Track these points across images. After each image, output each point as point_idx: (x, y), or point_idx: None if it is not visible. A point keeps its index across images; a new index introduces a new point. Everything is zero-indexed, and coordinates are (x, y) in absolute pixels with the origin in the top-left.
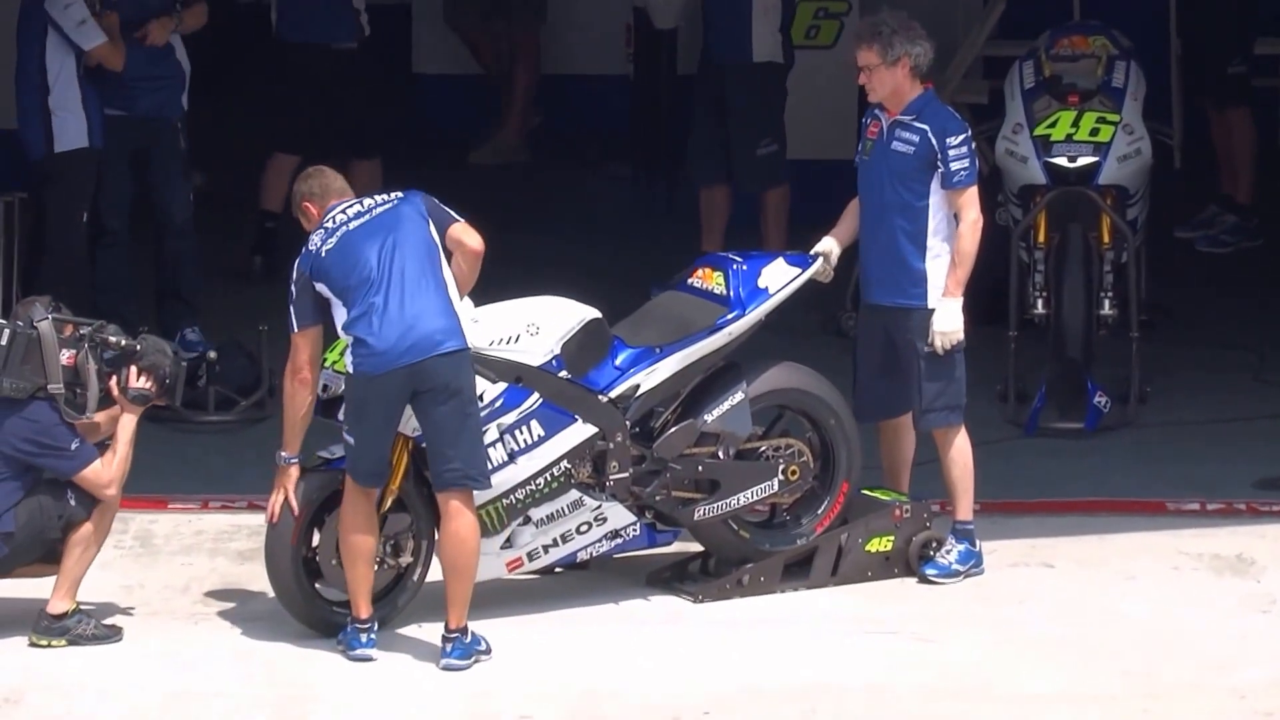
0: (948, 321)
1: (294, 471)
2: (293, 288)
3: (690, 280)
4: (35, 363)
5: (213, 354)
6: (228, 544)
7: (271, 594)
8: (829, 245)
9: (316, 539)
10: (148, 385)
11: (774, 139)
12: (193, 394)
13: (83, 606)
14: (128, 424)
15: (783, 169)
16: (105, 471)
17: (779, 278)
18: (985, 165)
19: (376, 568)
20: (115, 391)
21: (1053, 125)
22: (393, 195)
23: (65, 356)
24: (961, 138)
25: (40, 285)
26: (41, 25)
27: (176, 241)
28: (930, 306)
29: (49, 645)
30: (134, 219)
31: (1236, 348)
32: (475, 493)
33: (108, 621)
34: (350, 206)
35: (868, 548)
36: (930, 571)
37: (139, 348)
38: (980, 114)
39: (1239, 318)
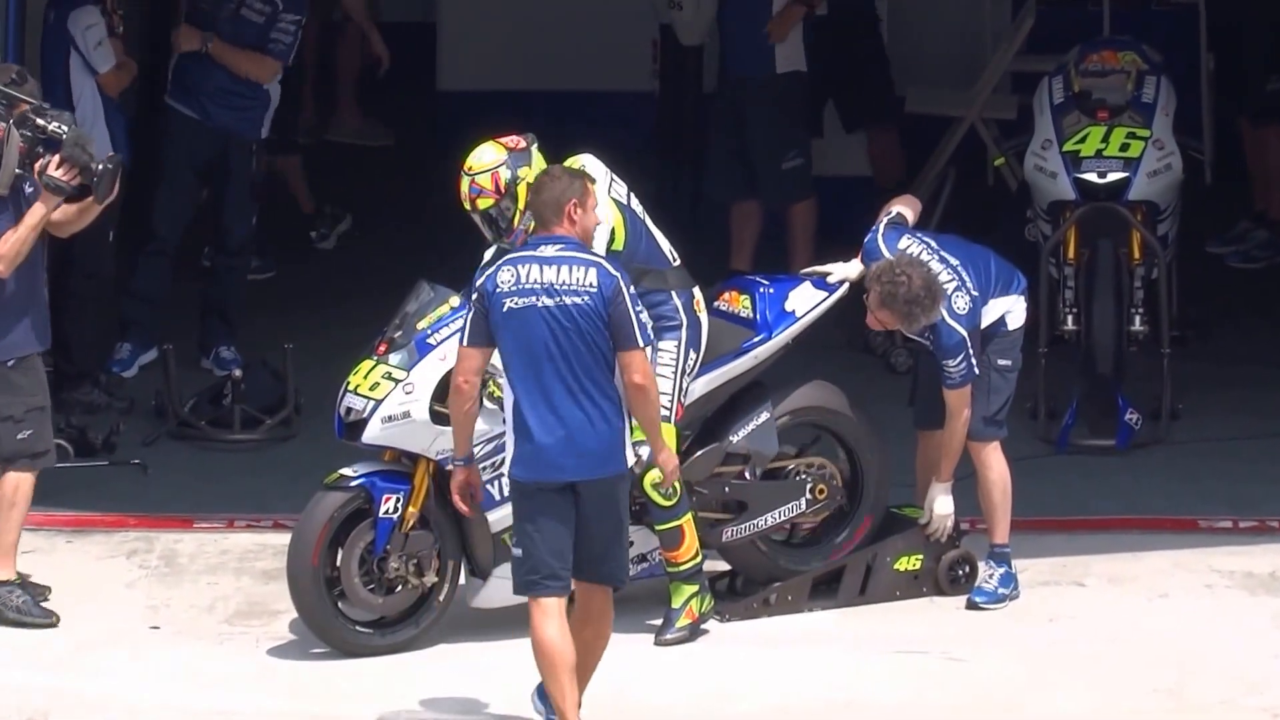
0: (944, 506)
1: (461, 475)
2: (469, 303)
3: (716, 303)
4: None
5: (238, 372)
6: (253, 563)
7: (296, 613)
8: (853, 269)
9: (340, 558)
10: (65, 176)
11: (799, 152)
12: (218, 413)
13: (28, 580)
14: (37, 209)
15: (809, 182)
16: (0, 247)
17: (806, 302)
18: (1015, 181)
19: (400, 588)
20: (36, 174)
21: (1082, 141)
22: (590, 277)
23: None
24: (958, 358)
25: (66, 303)
26: (65, 44)
27: (229, 259)
28: (1010, 329)
29: None
30: (197, 238)
31: (1269, 364)
32: (496, 516)
33: (47, 604)
34: (549, 268)
35: (896, 566)
36: (980, 599)
37: (62, 137)
38: (1009, 129)
39: (1271, 333)
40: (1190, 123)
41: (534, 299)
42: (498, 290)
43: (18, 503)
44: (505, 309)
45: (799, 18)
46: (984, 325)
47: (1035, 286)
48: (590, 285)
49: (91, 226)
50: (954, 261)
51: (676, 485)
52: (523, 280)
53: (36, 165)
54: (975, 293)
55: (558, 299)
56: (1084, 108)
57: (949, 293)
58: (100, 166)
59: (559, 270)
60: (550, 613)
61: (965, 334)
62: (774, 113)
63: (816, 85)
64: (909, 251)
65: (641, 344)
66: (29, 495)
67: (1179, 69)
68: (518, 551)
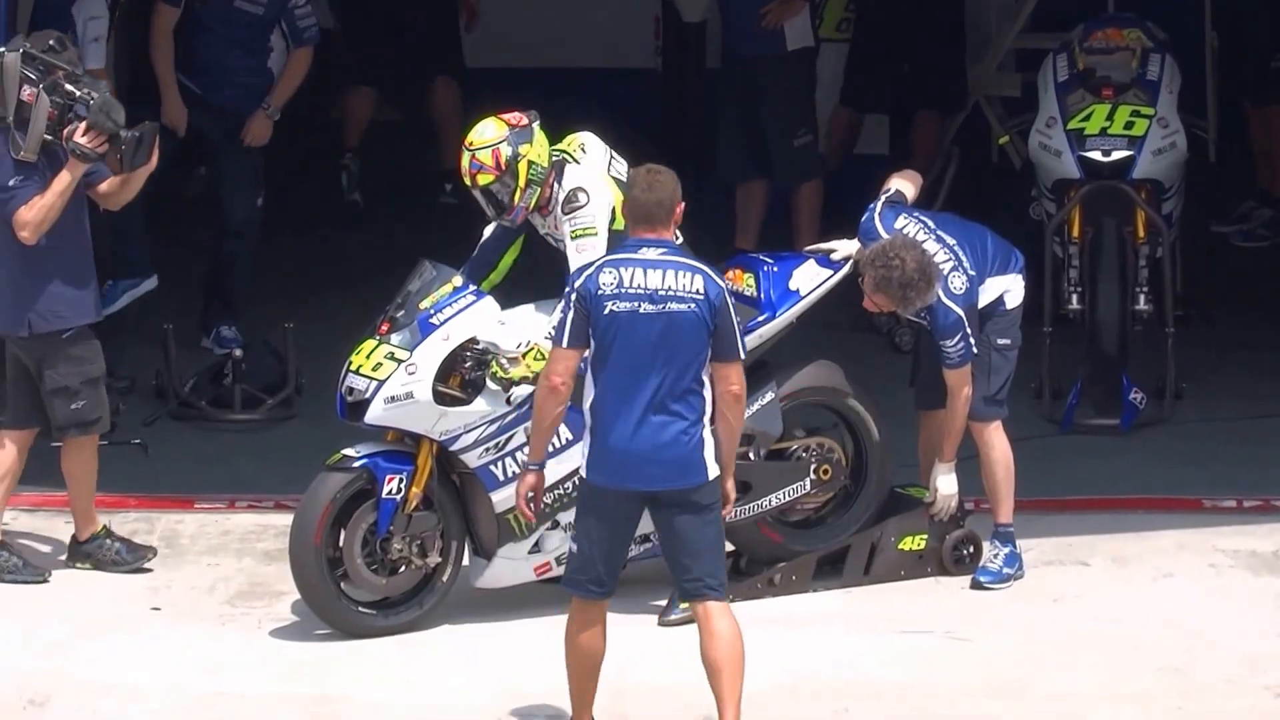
0: (948, 486)
1: (531, 479)
2: (569, 304)
3: None
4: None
5: (238, 352)
6: (254, 544)
7: (299, 594)
8: (856, 247)
9: (343, 539)
10: (92, 143)
11: (809, 128)
12: (219, 393)
13: (110, 530)
14: (63, 176)
15: (817, 160)
16: (25, 213)
17: (810, 280)
18: (1019, 159)
19: (403, 569)
20: (64, 141)
21: (1087, 119)
22: (697, 284)
23: (26, 93)
24: (955, 338)
25: None
26: (63, 26)
27: (233, 243)
28: (1009, 308)
29: (77, 566)
30: (198, 216)
31: (1273, 344)
32: (500, 497)
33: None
34: (653, 272)
35: (901, 546)
36: (984, 579)
37: (89, 104)
38: (1013, 107)
39: (1276, 313)
40: (1195, 101)
41: (636, 304)
42: (600, 292)
43: (85, 474)
44: (607, 311)
45: (799, 11)
46: (982, 304)
47: (1039, 266)
48: (697, 293)
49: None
50: (950, 241)
51: None
52: (626, 284)
53: (64, 132)
54: (972, 272)
55: (661, 305)
56: (1088, 85)
57: (945, 273)
58: (128, 134)
59: (664, 275)
60: (587, 613)
61: (962, 314)
62: (786, 91)
63: (887, 57)
64: (905, 231)
65: (741, 356)
66: (93, 460)
67: (1183, 47)
68: (573, 547)
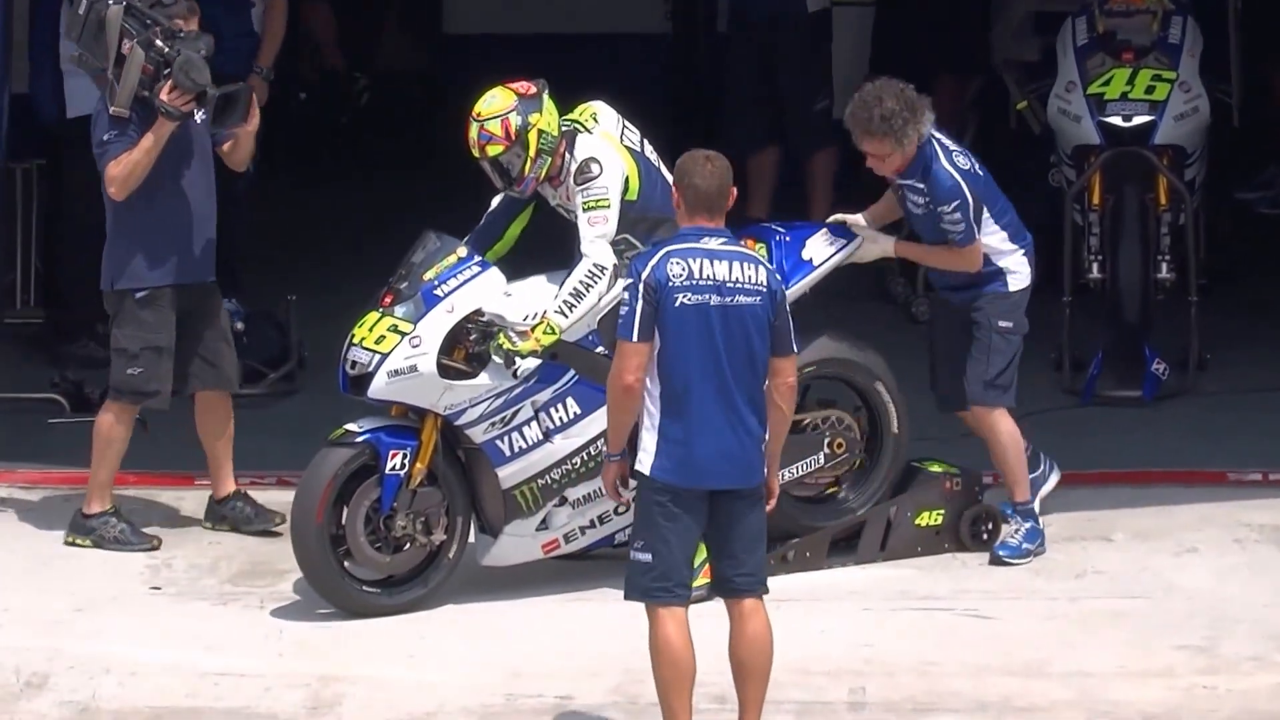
0: (875, 241)
1: (614, 468)
2: (636, 295)
3: None
4: (102, 44)
5: (240, 325)
6: None
7: (301, 573)
8: (855, 220)
9: (345, 516)
10: (177, 102)
11: (826, 93)
12: None
13: (119, 510)
14: (148, 136)
15: (833, 126)
16: (114, 168)
17: (823, 251)
18: (1038, 125)
19: (407, 546)
20: (155, 98)
21: (1107, 83)
22: (760, 276)
23: (126, 46)
24: (954, 204)
25: (60, 255)
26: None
27: (229, 209)
28: (1010, 290)
29: (75, 543)
30: None
31: None
32: (506, 473)
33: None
34: (719, 264)
35: (917, 522)
36: (1003, 553)
37: (175, 60)
38: (1032, 72)
39: None
40: (1218, 64)
41: (706, 296)
42: (670, 284)
43: (114, 441)
44: (677, 304)
45: None
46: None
47: (1059, 234)
48: (761, 285)
49: (85, 174)
50: (980, 173)
51: None
52: (695, 276)
53: (156, 88)
54: (985, 197)
55: (729, 298)
56: (1109, 49)
57: (953, 152)
58: (214, 93)
59: (730, 267)
60: (677, 619)
61: (962, 182)
62: (807, 53)
63: (915, 21)
64: (943, 142)
65: (795, 350)
66: (128, 435)
67: (1205, 9)
68: (645, 557)
